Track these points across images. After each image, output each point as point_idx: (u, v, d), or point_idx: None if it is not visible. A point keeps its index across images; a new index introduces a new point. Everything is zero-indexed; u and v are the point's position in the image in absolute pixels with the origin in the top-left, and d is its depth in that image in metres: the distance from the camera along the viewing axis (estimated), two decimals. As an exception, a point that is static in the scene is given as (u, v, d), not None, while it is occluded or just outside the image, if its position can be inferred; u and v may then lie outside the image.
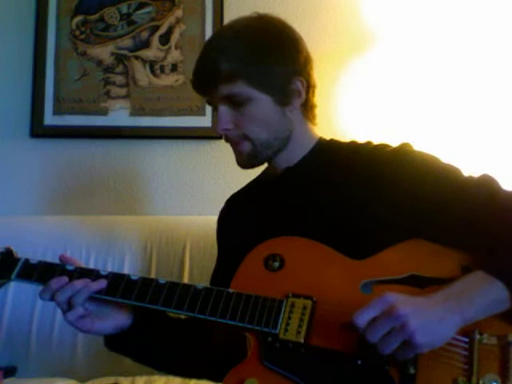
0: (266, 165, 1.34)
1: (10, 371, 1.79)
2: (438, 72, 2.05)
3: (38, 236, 1.93)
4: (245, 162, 1.26)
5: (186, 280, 1.87)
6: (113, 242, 1.93)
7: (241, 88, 1.19)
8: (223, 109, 1.22)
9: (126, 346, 1.26)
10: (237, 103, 1.21)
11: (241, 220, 1.34)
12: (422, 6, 2.12)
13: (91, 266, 1.89)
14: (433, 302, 1.01)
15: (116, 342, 1.24)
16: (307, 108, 1.28)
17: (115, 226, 1.99)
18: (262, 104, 1.21)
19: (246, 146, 1.23)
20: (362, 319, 0.98)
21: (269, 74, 1.21)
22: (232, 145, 1.26)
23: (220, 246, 1.42)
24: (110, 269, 1.87)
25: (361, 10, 2.15)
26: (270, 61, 1.21)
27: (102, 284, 1.17)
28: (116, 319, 1.21)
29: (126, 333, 1.22)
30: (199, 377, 1.42)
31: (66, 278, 1.17)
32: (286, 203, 1.27)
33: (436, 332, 0.99)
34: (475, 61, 2.02)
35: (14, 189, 2.18)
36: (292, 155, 1.28)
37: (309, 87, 1.27)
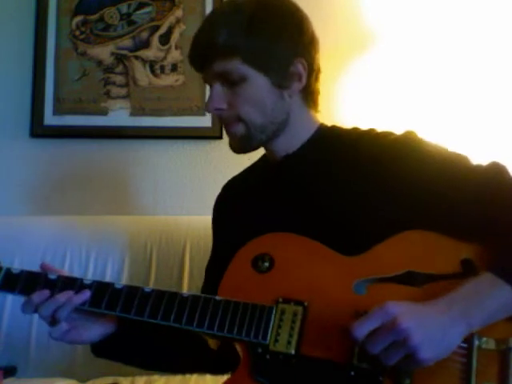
0: (264, 151, 1.29)
1: (9, 371, 1.79)
2: (439, 70, 2.04)
3: (38, 236, 1.93)
4: (238, 145, 1.20)
5: (186, 280, 1.87)
6: (113, 242, 1.93)
7: (236, 65, 1.12)
8: (217, 87, 1.16)
9: (114, 350, 1.22)
10: (231, 82, 1.14)
11: (237, 209, 1.29)
12: (422, 6, 2.12)
13: (91, 266, 1.89)
14: (437, 311, 0.96)
15: (104, 347, 1.20)
16: (308, 92, 1.21)
17: (115, 226, 1.98)
18: (259, 84, 1.14)
19: (240, 128, 1.17)
20: (362, 331, 0.94)
21: (268, 53, 1.13)
22: (225, 126, 1.20)
23: (215, 234, 1.36)
24: (109, 269, 1.88)
25: (361, 9, 2.15)
26: (270, 39, 1.14)
27: (85, 296, 1.12)
28: (102, 326, 1.17)
29: (114, 338, 1.18)
30: (197, 371, 1.40)
31: (47, 292, 1.12)
32: (284, 193, 1.22)
33: (440, 344, 0.94)
34: (475, 59, 2.02)
35: (13, 189, 2.18)
36: (291, 141, 1.22)
37: (311, 71, 1.19)
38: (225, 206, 1.35)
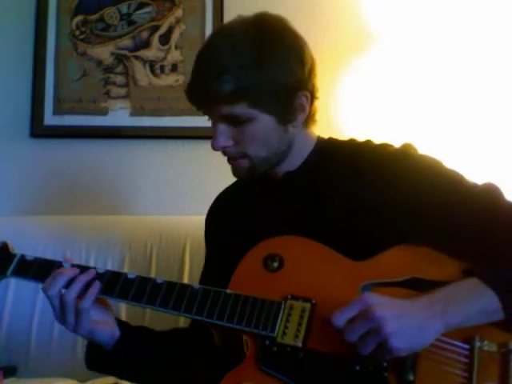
0: None
1: (9, 371, 1.79)
2: (438, 71, 2.05)
3: (38, 236, 1.93)
4: (242, 176, 1.24)
5: (185, 280, 1.87)
6: (113, 242, 1.93)
7: (242, 109, 1.13)
8: (222, 127, 1.17)
9: (113, 363, 1.22)
10: (237, 122, 1.16)
11: (235, 220, 1.31)
12: (421, 6, 2.12)
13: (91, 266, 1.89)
14: (417, 307, 1.00)
15: (102, 359, 1.21)
16: (309, 117, 1.23)
17: (115, 226, 1.98)
18: (264, 123, 1.16)
19: (244, 163, 1.20)
20: (340, 319, 0.98)
21: (271, 94, 1.14)
22: (229, 159, 1.23)
23: (209, 245, 1.39)
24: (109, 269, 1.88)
25: (361, 9, 2.15)
26: (273, 79, 1.14)
27: (91, 273, 1.17)
28: (113, 327, 1.20)
29: (115, 348, 1.19)
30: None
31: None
32: (287, 205, 1.25)
33: (414, 337, 0.98)
34: (475, 60, 2.02)
35: (13, 189, 2.18)
36: (292, 161, 1.25)
37: (313, 99, 1.21)
38: (221, 217, 1.37)
